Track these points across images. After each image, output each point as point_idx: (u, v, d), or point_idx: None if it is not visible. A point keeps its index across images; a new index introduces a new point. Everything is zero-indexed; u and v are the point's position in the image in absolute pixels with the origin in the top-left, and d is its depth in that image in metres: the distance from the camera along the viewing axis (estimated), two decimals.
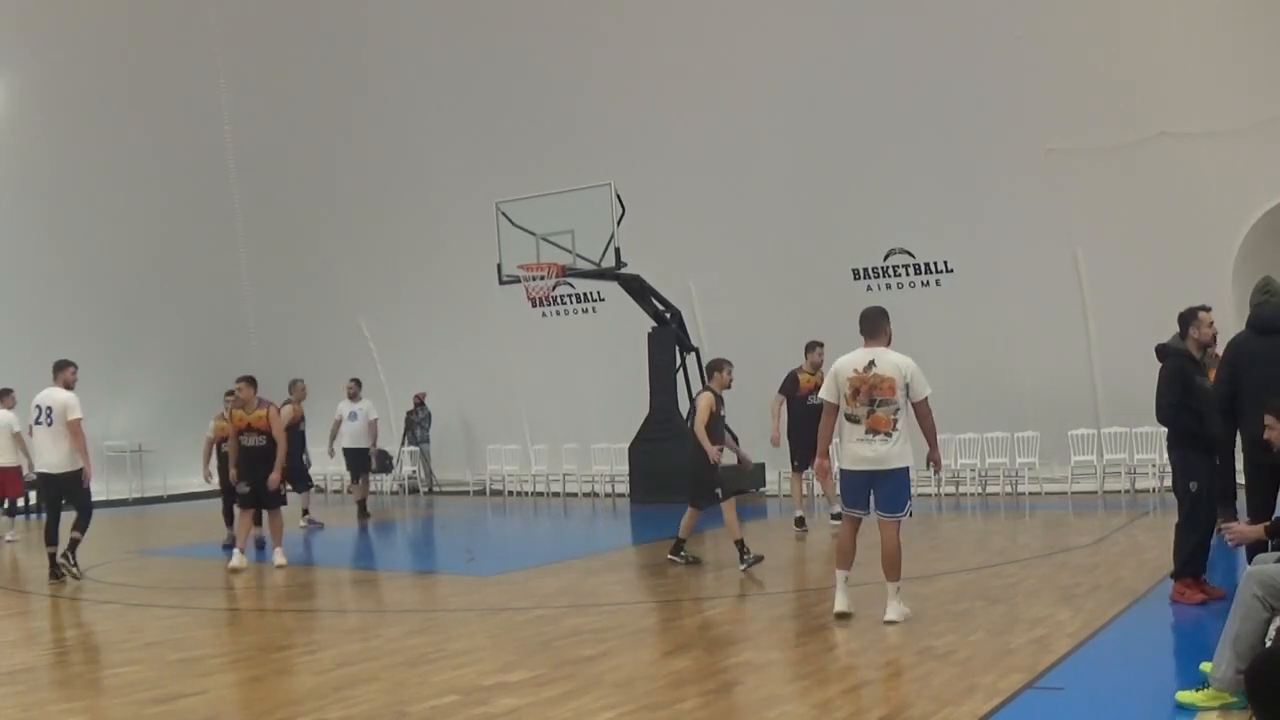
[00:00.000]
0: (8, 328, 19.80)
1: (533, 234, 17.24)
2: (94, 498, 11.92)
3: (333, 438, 16.89)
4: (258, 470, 12.11)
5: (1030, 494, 15.97)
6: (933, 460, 7.85)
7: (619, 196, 16.66)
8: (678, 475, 17.13)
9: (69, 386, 11.33)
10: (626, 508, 17.79)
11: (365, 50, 20.26)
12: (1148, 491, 15.11)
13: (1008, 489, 16.35)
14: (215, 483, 14.08)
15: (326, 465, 19.03)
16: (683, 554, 10.76)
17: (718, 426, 10.59)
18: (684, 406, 18.02)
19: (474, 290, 19.89)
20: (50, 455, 11.20)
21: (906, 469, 7.55)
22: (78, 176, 20.17)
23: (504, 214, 17.60)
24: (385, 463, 19.46)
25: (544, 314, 20.31)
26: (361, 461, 16.91)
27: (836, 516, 13.36)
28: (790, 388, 13.06)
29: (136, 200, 20.81)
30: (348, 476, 17.14)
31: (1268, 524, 6.17)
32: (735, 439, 12.29)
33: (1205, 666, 5.36)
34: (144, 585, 10.71)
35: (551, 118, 19.15)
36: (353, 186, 21.35)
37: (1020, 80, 15.72)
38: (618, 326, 18.96)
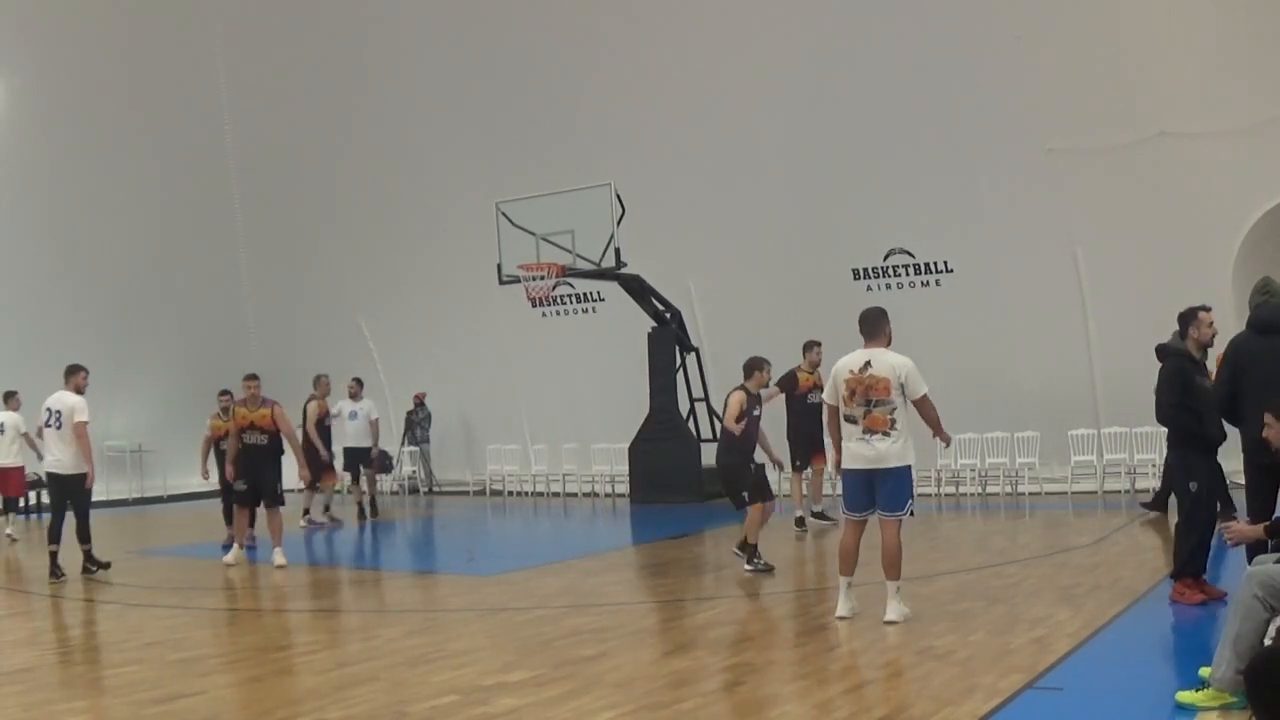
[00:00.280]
0: (8, 328, 19.81)
1: (533, 234, 17.25)
2: (94, 498, 11.96)
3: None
4: (258, 469, 12.12)
5: (1030, 494, 15.97)
6: (939, 439, 7.80)
7: (619, 196, 16.68)
8: (677, 475, 17.27)
9: (80, 391, 11.48)
10: (626, 508, 17.78)
11: (365, 50, 20.26)
12: (1148, 491, 15.07)
13: (1008, 489, 16.34)
14: (214, 482, 14.10)
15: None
16: (757, 560, 9.97)
17: (749, 425, 10.23)
18: (684, 407, 18.06)
19: (474, 290, 19.89)
20: (58, 457, 11.33)
21: (908, 468, 7.53)
22: (78, 176, 20.17)
23: (504, 214, 17.60)
24: (386, 462, 19.46)
25: (544, 314, 20.31)
26: (363, 461, 16.89)
27: (818, 515, 13.44)
28: (789, 386, 13.06)
29: (136, 200, 20.81)
30: (347, 476, 17.11)
31: (1267, 524, 6.17)
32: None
33: (1204, 671, 5.35)
34: (144, 585, 10.71)
35: (551, 118, 19.15)
36: (353, 186, 21.35)
37: (1020, 80, 15.72)
38: (618, 326, 18.96)
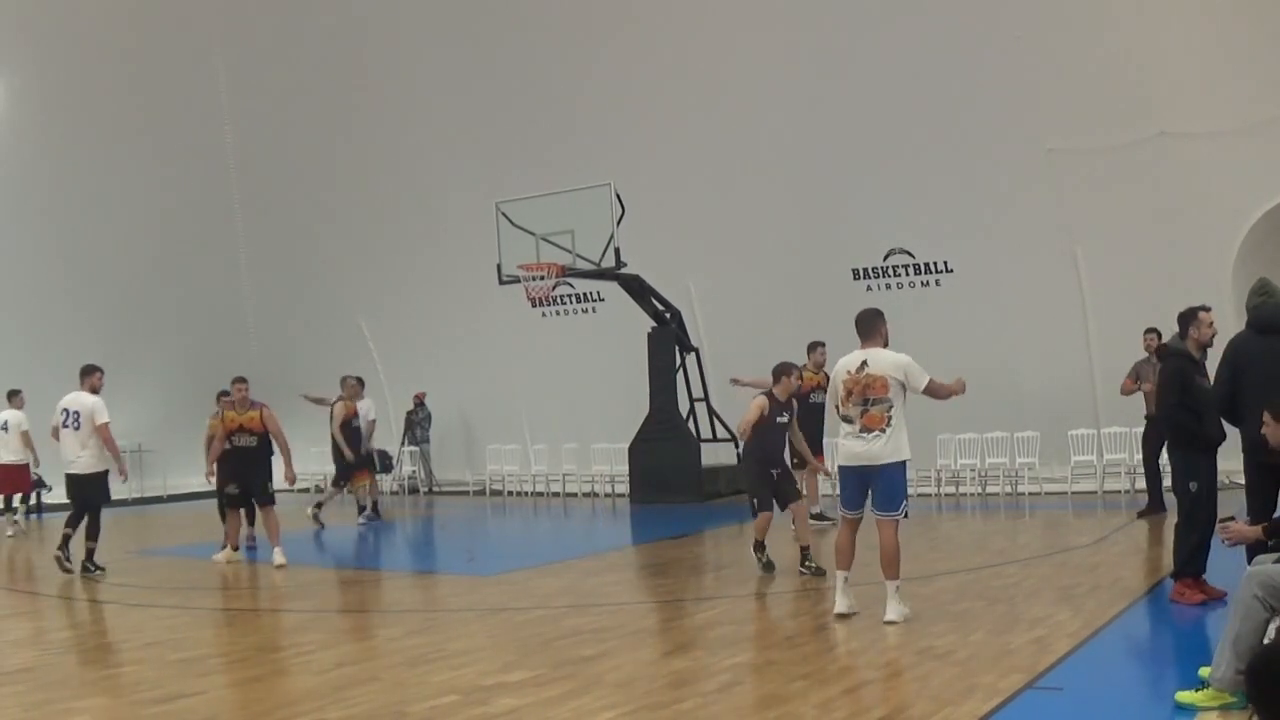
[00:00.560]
0: (8, 328, 19.82)
1: (533, 234, 17.25)
2: None
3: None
4: (249, 471, 12.15)
5: (1030, 494, 15.97)
6: (958, 389, 7.69)
7: (619, 196, 16.67)
8: (677, 475, 17.27)
9: (96, 391, 11.56)
10: (626, 508, 17.78)
11: (365, 50, 20.26)
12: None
13: (1008, 489, 16.35)
14: (215, 482, 14.09)
15: (326, 464, 19.00)
16: (808, 563, 9.73)
17: (772, 432, 9.87)
18: (684, 407, 18.06)
19: (474, 290, 19.89)
20: (76, 457, 11.42)
21: (902, 464, 7.55)
22: (78, 177, 20.17)
23: (504, 214, 17.60)
24: (386, 463, 19.46)
25: (544, 314, 20.32)
26: (365, 461, 16.85)
27: (817, 516, 13.41)
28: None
29: (136, 200, 20.81)
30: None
31: (1266, 524, 6.17)
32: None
33: (1204, 671, 5.35)
34: (144, 585, 10.70)
35: (551, 118, 19.15)
36: (353, 186, 21.34)
37: (1020, 80, 15.72)
38: (618, 326, 18.96)
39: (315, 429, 16.88)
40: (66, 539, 11.41)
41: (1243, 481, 7.40)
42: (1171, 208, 15.34)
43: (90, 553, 11.43)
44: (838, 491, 7.99)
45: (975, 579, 9.14)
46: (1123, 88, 15.26)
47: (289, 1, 20.31)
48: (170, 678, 6.74)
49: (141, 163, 20.64)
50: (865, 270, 17.68)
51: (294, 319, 22.54)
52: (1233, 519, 6.27)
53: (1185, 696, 5.27)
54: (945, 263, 17.17)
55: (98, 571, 11.37)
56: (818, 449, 12.88)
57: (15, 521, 16.08)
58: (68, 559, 11.37)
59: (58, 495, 18.07)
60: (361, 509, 16.21)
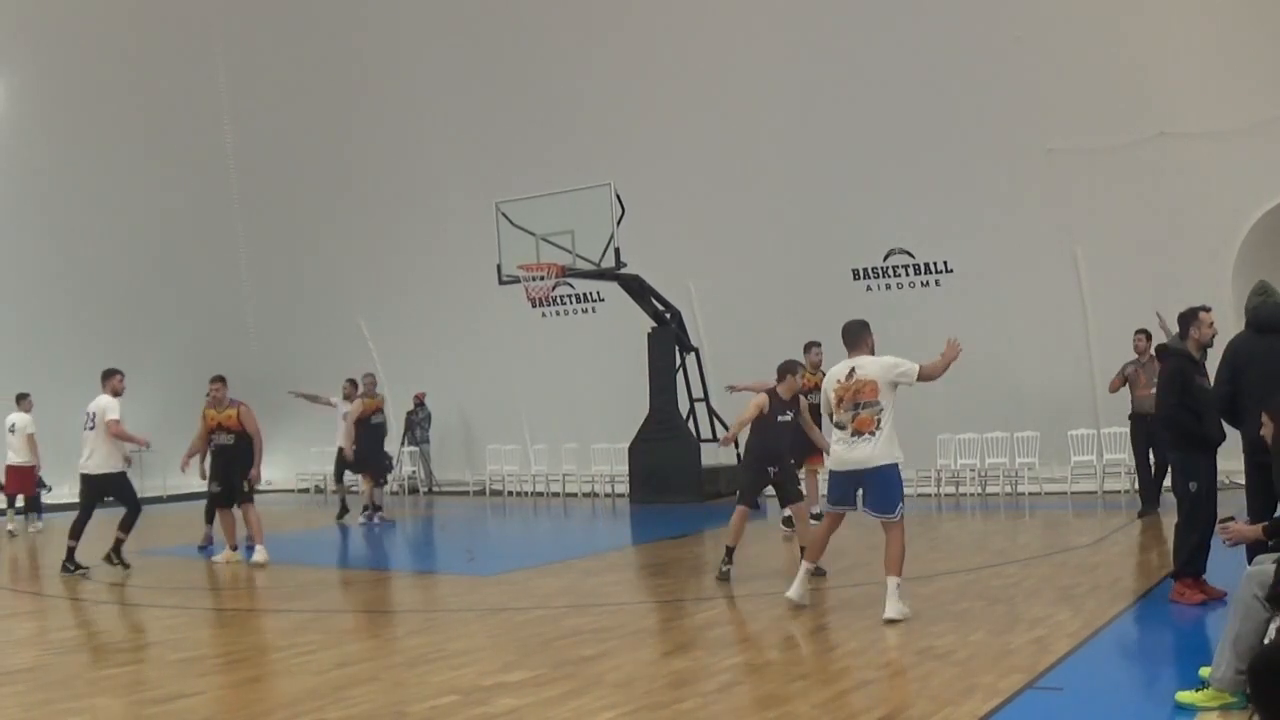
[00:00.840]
0: (8, 328, 19.81)
1: (532, 234, 17.25)
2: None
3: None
4: (228, 468, 12.24)
5: (1030, 494, 15.97)
6: (953, 353, 7.73)
7: (619, 196, 16.67)
8: (677, 475, 17.27)
9: (117, 394, 11.72)
10: (626, 508, 17.78)
11: (365, 50, 20.26)
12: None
13: (1007, 489, 16.34)
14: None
15: (328, 464, 19.02)
16: (725, 565, 9.73)
17: (773, 430, 9.78)
18: (684, 407, 18.07)
19: (474, 290, 19.89)
20: (88, 457, 11.57)
21: (895, 466, 7.68)
22: (78, 177, 20.16)
23: (504, 214, 17.60)
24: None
25: (544, 314, 20.32)
26: (348, 464, 16.79)
27: (816, 516, 13.39)
28: None
29: (136, 200, 20.81)
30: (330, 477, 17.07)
31: (1266, 524, 6.16)
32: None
33: (1204, 671, 5.35)
34: (144, 585, 10.71)
35: (551, 118, 19.15)
36: (353, 186, 21.35)
37: (1020, 80, 15.72)
38: (618, 326, 18.96)
39: (313, 430, 16.86)
40: (71, 552, 11.43)
41: (1243, 481, 7.40)
42: (1171, 208, 15.34)
43: (118, 543, 11.57)
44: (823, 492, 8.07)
45: (975, 579, 9.14)
46: (1123, 88, 15.26)
47: (289, 1, 20.31)
48: (170, 678, 6.74)
49: (141, 163, 20.63)
50: (865, 270, 17.68)
51: (294, 319, 22.54)
52: (1233, 519, 6.27)
53: (1185, 696, 5.27)
54: (945, 263, 17.17)
55: (119, 566, 11.48)
56: (814, 450, 12.83)
57: (25, 521, 16.27)
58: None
59: (58, 495, 18.13)
60: (365, 508, 16.21)
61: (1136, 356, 13.41)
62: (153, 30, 20.10)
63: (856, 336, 7.95)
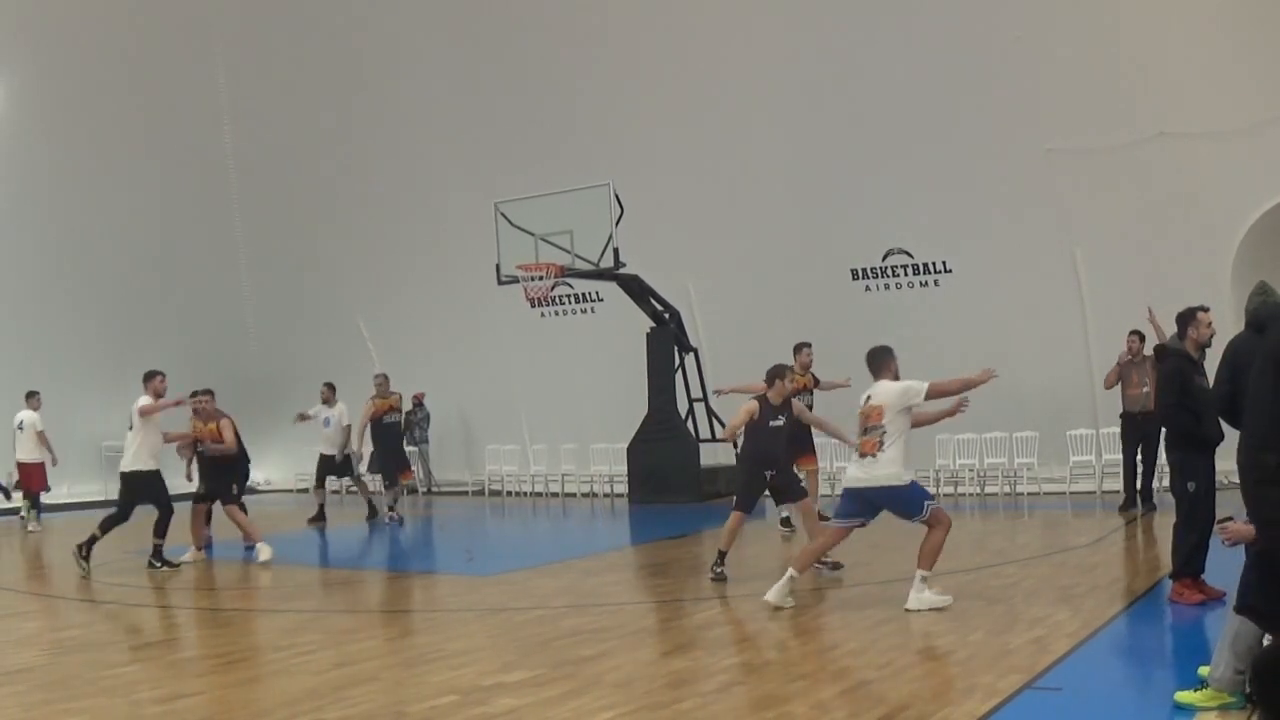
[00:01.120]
0: (8, 327, 19.81)
1: (532, 234, 17.24)
2: (93, 498, 12.02)
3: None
4: (213, 474, 12.38)
5: (1029, 494, 15.98)
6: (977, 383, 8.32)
7: (618, 197, 16.67)
8: (676, 475, 17.26)
9: (159, 395, 11.75)
10: (625, 508, 17.78)
11: (365, 50, 20.26)
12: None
13: (1006, 489, 16.35)
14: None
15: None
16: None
17: (766, 434, 9.81)
18: (683, 407, 18.06)
19: (473, 290, 19.89)
20: (126, 456, 11.76)
21: (900, 486, 7.94)
22: (78, 176, 20.17)
23: (503, 214, 17.60)
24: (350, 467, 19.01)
25: (543, 314, 20.32)
26: (332, 469, 16.70)
27: (789, 520, 13.34)
28: None
29: (136, 200, 20.81)
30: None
31: None
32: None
33: (1203, 671, 5.35)
34: (144, 585, 10.71)
35: (551, 118, 19.15)
36: (353, 186, 21.35)
37: (1020, 80, 15.73)
38: (617, 326, 18.96)
39: (313, 430, 16.78)
40: (158, 549, 11.54)
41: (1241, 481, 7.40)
42: (1171, 208, 15.35)
43: (156, 549, 11.55)
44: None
45: (974, 579, 9.14)
46: (1123, 88, 15.27)
47: (289, 1, 20.32)
48: (170, 678, 6.74)
49: (141, 163, 20.64)
50: (864, 270, 17.68)
51: (294, 319, 22.54)
52: (1231, 519, 6.26)
53: (1184, 696, 5.27)
54: (944, 263, 17.17)
55: (165, 568, 11.49)
56: (807, 450, 12.82)
57: (30, 518, 16.31)
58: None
59: (57, 495, 18.12)
60: (390, 506, 16.09)
61: (1131, 357, 13.54)
62: (152, 30, 20.11)
63: (880, 362, 8.29)
